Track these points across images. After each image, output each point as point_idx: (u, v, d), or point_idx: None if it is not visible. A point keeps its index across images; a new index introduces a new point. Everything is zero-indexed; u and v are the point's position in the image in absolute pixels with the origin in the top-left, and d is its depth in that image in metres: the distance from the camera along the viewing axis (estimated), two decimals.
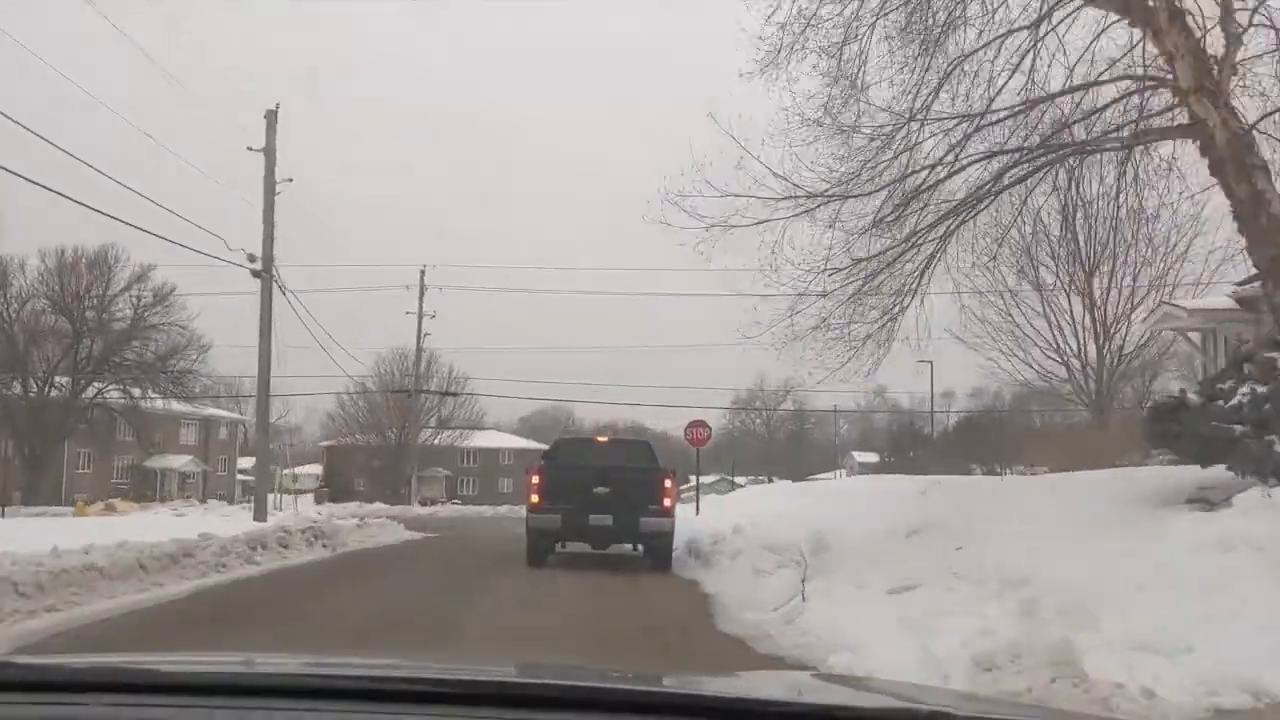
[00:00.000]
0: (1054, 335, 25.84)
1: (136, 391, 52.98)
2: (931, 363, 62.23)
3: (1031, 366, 26.66)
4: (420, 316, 44.12)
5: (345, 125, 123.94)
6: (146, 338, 56.51)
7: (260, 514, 24.99)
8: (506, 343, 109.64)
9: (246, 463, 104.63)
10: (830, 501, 17.56)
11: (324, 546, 17.87)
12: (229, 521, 23.06)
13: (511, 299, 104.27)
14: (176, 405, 69.35)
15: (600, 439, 19.37)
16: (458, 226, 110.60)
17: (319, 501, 53.59)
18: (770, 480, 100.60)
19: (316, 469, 78.11)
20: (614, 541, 15.21)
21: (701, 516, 25.70)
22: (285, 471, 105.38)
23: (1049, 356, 26.13)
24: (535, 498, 14.57)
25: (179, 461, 65.01)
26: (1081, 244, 24.29)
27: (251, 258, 24.31)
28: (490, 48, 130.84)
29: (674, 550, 15.84)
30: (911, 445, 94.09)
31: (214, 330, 61.49)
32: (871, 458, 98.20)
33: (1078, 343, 25.46)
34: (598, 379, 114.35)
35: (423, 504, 68.89)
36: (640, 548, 15.24)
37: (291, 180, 25.48)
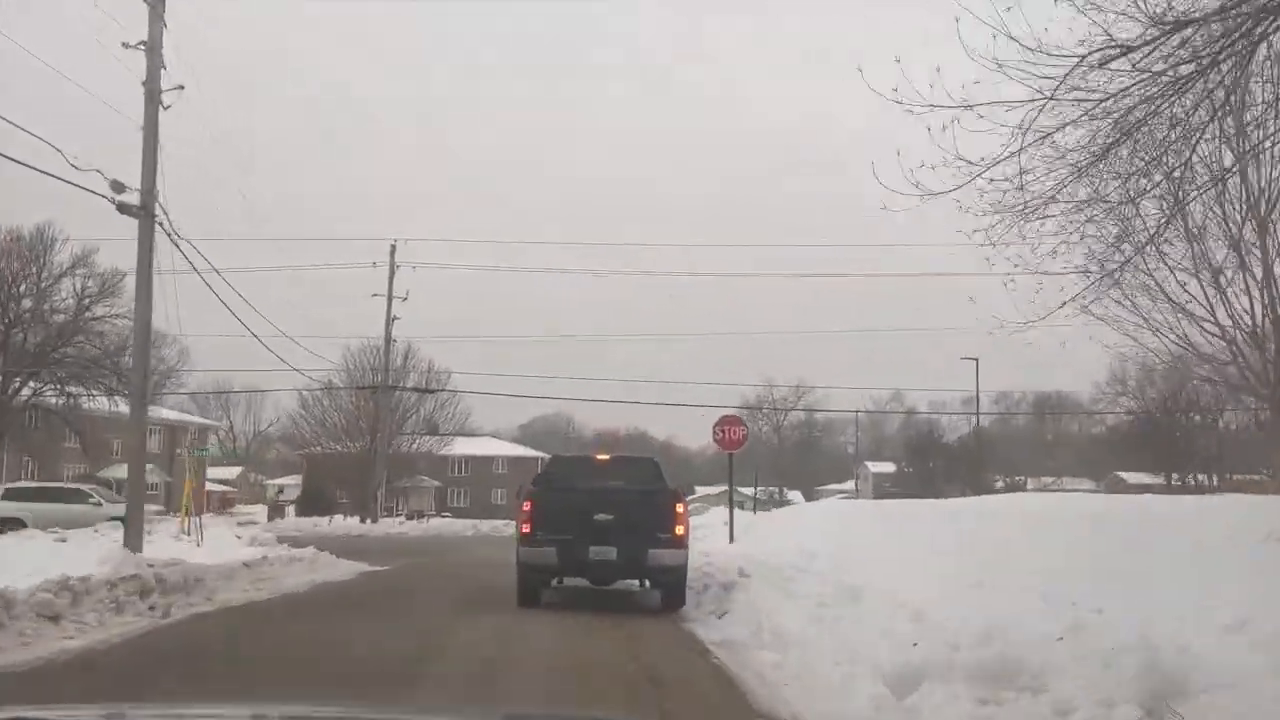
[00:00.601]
0: (1211, 301, 18.57)
1: (78, 390, 45.69)
2: (977, 359, 54.67)
3: (1183, 346, 19.31)
4: (390, 300, 36.83)
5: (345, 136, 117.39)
6: (91, 330, 49.27)
7: (134, 540, 17.88)
8: (496, 335, 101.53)
9: (230, 472, 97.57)
10: (1000, 535, 10.36)
11: (151, 609, 10.64)
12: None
13: (503, 297, 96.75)
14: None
15: (600, 457, 16.33)
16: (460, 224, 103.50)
17: (272, 518, 46.13)
18: (781, 492, 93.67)
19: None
20: (618, 577, 13.24)
21: (739, 547, 18.51)
22: (270, 483, 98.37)
23: (1207, 332, 18.83)
24: (526, 527, 12.47)
25: None
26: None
27: (118, 186, 17.12)
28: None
29: (720, 617, 12.00)
30: (931, 454, 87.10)
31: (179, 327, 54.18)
32: (887, 468, 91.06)
33: (1253, 312, 18.17)
34: (595, 378, 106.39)
35: (409, 517, 61.97)
36: (647, 582, 13.47)
37: (183, 88, 18.37)
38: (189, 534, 22.94)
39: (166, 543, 21.20)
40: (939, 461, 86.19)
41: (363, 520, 40.97)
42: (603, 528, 12.10)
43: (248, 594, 13.36)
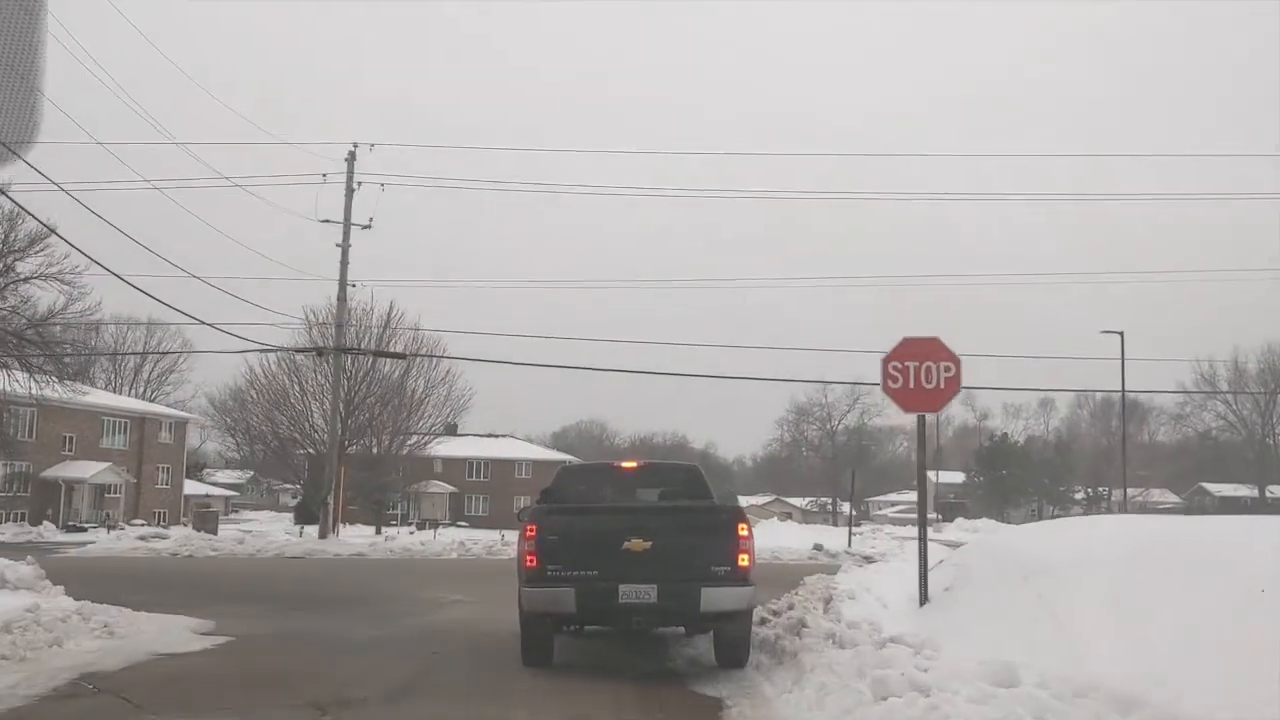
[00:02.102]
0: None
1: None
2: (1122, 333, 42.39)
3: None
4: (347, 227, 25.88)
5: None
6: (22, 296, 38.74)
7: None
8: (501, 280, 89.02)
9: (241, 475, 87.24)
10: None
11: None
12: None
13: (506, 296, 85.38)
14: (104, 398, 52.37)
15: (625, 464, 11.82)
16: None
17: (200, 528, 34.94)
18: (835, 504, 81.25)
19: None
20: (659, 624, 9.84)
21: (956, 632, 7.13)
22: (280, 487, 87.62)
23: None
24: (531, 561, 8.97)
25: (91, 470, 47.06)
26: None
27: None
28: None
29: None
30: (1004, 462, 74.77)
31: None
32: (952, 477, 78.89)
33: None
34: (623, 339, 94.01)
35: (420, 527, 52.22)
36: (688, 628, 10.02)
37: None
38: None
39: None
40: (1012, 470, 74.03)
41: (322, 534, 30.21)
42: (638, 559, 8.84)
43: None
